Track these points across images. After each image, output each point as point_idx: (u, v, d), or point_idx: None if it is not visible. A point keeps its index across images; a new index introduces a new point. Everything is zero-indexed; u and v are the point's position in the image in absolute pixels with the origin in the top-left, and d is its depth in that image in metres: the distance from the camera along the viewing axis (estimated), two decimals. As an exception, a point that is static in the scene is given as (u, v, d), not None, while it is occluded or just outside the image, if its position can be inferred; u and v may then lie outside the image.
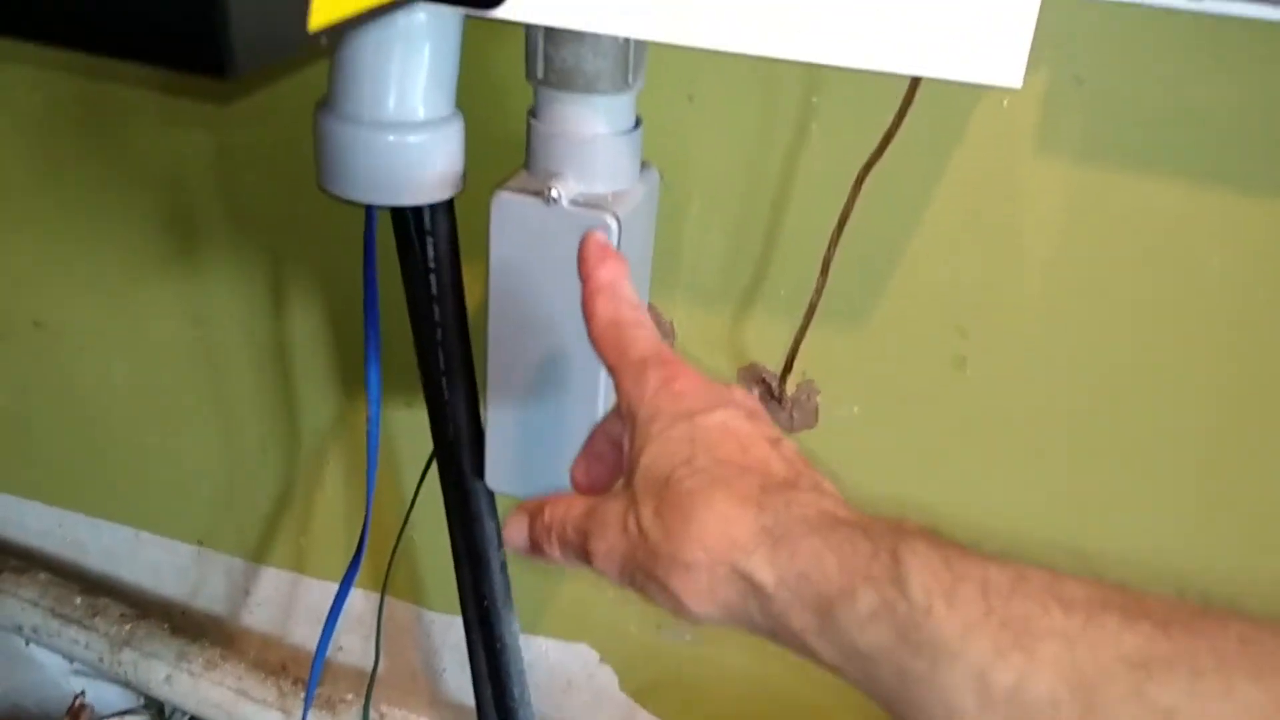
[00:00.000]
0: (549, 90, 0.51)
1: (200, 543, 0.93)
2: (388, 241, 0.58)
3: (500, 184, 0.54)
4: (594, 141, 0.52)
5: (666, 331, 0.70)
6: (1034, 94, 0.57)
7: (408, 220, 0.56)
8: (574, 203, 0.52)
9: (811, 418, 0.70)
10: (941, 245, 0.62)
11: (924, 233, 0.62)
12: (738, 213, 0.65)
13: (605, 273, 0.41)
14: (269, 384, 0.81)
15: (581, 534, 0.35)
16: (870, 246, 0.63)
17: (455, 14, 0.48)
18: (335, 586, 0.73)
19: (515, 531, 0.39)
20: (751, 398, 0.38)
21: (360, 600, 0.89)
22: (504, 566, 0.69)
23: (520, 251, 0.54)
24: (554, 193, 0.52)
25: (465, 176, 0.54)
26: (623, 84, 0.51)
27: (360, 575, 0.72)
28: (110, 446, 0.89)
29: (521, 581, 0.72)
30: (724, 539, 0.31)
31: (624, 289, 0.41)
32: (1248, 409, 0.62)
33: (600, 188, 0.53)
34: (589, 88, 0.51)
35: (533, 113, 0.53)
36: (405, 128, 0.50)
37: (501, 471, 0.61)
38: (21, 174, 0.79)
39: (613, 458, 0.42)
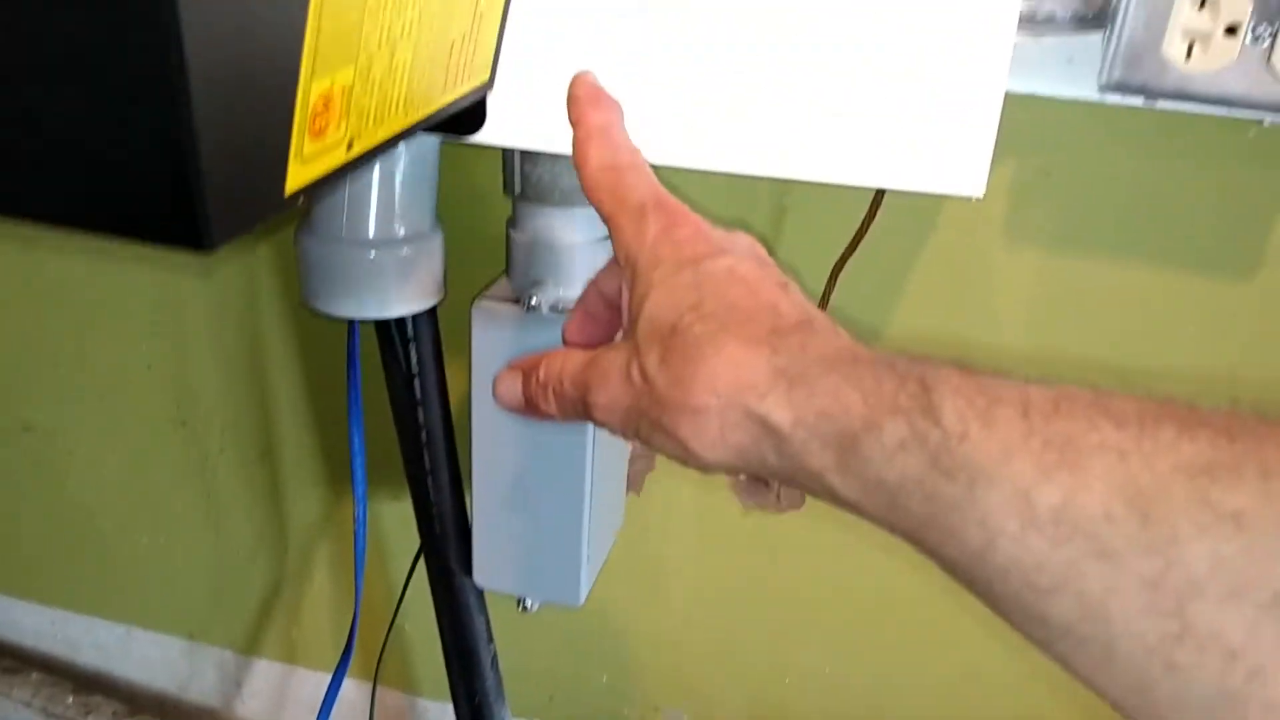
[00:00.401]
0: (527, 204, 0.53)
1: (191, 636, 0.92)
2: (373, 341, 0.58)
3: (481, 292, 0.55)
4: (572, 249, 0.53)
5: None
6: (1003, 186, 0.58)
7: (390, 328, 0.57)
8: (554, 309, 0.53)
9: (799, 498, 0.71)
10: (918, 330, 0.64)
11: (900, 319, 0.64)
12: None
13: (598, 116, 0.38)
14: (257, 480, 0.81)
15: (581, 387, 0.34)
16: (849, 324, 0.64)
17: (432, 140, 0.50)
18: (328, 677, 0.72)
19: (508, 389, 0.37)
20: (758, 244, 0.36)
21: (353, 690, 0.88)
22: (495, 661, 0.69)
23: (502, 358, 0.54)
24: (534, 300, 0.53)
25: (446, 283, 0.55)
26: (598, 194, 0.52)
27: (352, 665, 0.72)
28: (101, 545, 0.89)
29: (513, 672, 0.72)
30: (735, 382, 0.29)
31: (618, 132, 0.38)
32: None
33: (579, 292, 0.54)
34: (565, 201, 0.52)
35: (511, 223, 0.54)
36: (386, 245, 0.51)
37: (489, 568, 0.61)
38: (6, 279, 0.80)
39: (607, 317, 0.40)
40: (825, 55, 0.42)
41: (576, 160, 0.37)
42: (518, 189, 0.52)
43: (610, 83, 0.44)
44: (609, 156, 0.36)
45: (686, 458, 0.31)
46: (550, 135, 0.46)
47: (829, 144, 0.44)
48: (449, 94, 0.41)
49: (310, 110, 0.30)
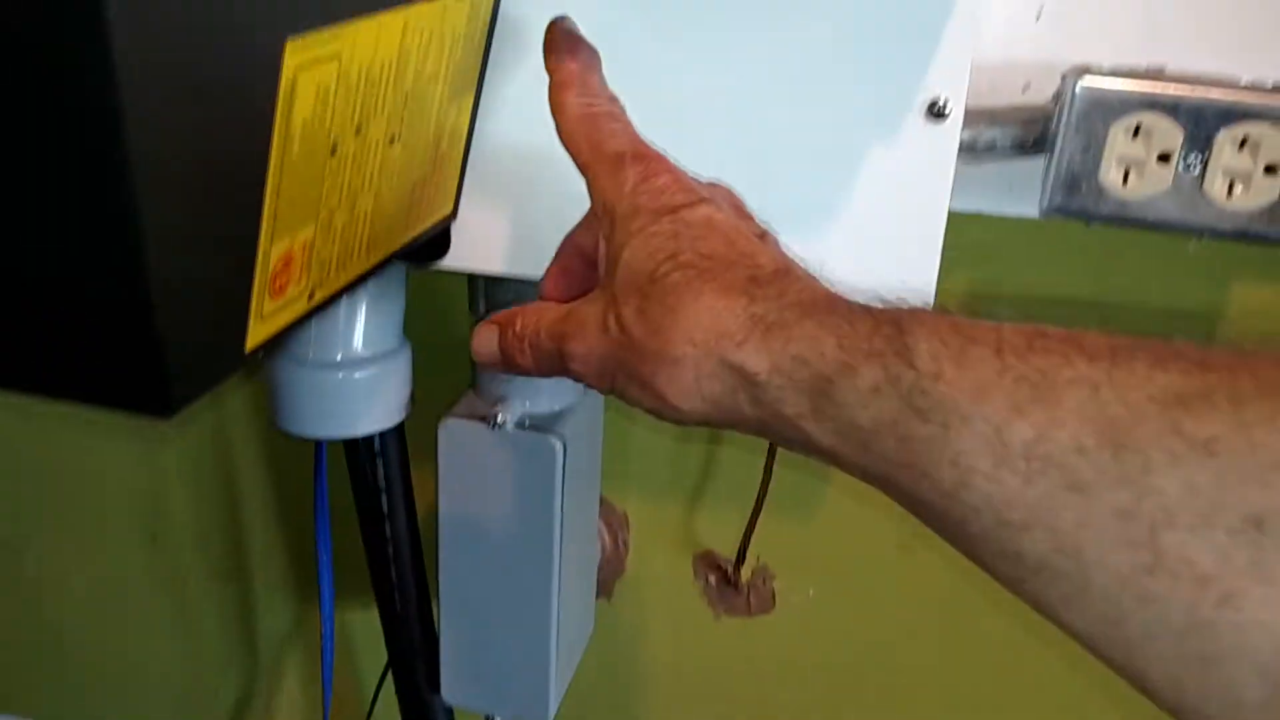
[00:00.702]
0: (491, 322, 0.54)
1: (159, 748, 0.90)
2: (341, 452, 0.58)
3: (448, 409, 0.55)
4: (536, 366, 0.54)
5: (620, 523, 0.71)
6: (955, 294, 0.60)
7: (357, 444, 0.57)
8: (519, 426, 0.54)
9: (768, 602, 0.71)
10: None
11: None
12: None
13: (575, 63, 0.36)
14: (227, 593, 0.80)
15: (557, 338, 0.33)
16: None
17: (397, 266, 0.51)
18: (296, 795, 0.71)
19: (484, 343, 0.36)
20: (736, 194, 0.36)
21: (324, 802, 0.86)
22: (467, 775, 0.68)
23: (469, 475, 0.55)
24: (499, 418, 0.53)
25: (413, 399, 0.55)
26: (561, 313, 0.53)
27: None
28: (72, 656, 0.88)
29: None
30: (712, 331, 0.29)
31: (594, 80, 0.37)
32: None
33: (546, 406, 0.55)
34: (529, 319, 0.53)
35: (476, 340, 0.55)
36: (353, 365, 0.52)
37: (457, 685, 0.60)
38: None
39: (583, 272, 0.39)
40: (781, 178, 0.43)
41: (553, 108, 0.36)
42: (482, 309, 0.53)
43: (571, 207, 0.45)
44: (586, 105, 0.35)
45: (662, 409, 0.31)
46: (513, 260, 0.47)
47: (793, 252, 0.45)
48: (412, 231, 0.42)
49: (271, 271, 0.31)
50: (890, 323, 0.27)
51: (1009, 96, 0.47)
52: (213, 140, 0.26)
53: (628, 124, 0.36)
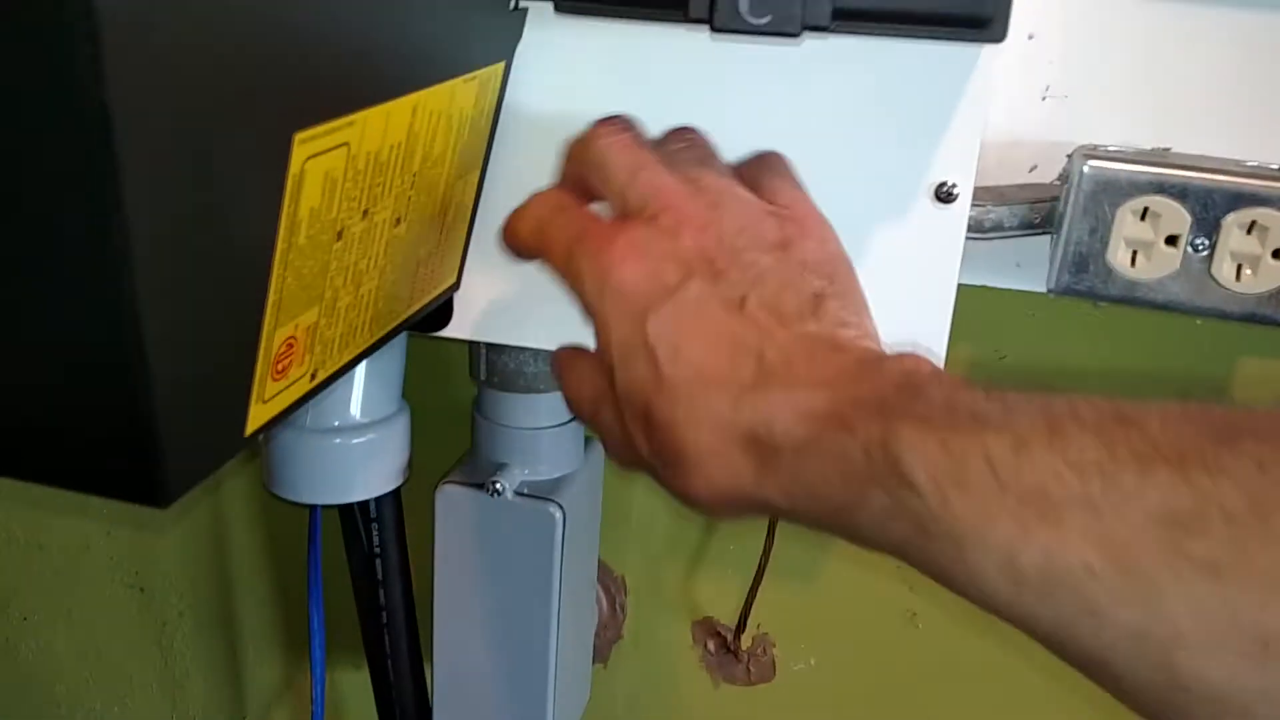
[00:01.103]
0: (492, 390, 0.53)
1: (142, 806, 0.88)
2: (335, 513, 0.58)
3: (446, 475, 0.54)
4: (537, 435, 0.54)
5: (618, 587, 0.70)
6: (960, 364, 0.59)
7: (353, 509, 0.56)
8: (518, 493, 0.53)
9: (769, 671, 0.69)
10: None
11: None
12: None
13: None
14: (216, 647, 0.79)
15: (586, 417, 0.35)
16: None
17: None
18: None
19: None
20: (703, 205, 0.33)
21: None
22: (457, 845, 0.66)
23: (466, 542, 0.54)
24: (498, 485, 0.53)
25: (411, 463, 0.55)
26: (563, 381, 0.53)
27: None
28: (57, 712, 0.86)
29: None
30: (723, 478, 0.30)
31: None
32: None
33: (545, 474, 0.54)
34: (530, 388, 0.52)
35: (477, 406, 0.55)
36: (350, 430, 0.51)
37: (451, 754, 0.59)
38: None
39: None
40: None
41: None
42: (483, 375, 0.53)
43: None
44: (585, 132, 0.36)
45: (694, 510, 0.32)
46: (515, 330, 0.47)
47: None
48: (416, 304, 0.42)
49: (273, 356, 0.30)
50: (879, 447, 0.27)
51: (1016, 175, 0.47)
52: (216, 228, 0.26)
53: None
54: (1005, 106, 0.47)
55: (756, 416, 0.30)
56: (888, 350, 0.32)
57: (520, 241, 0.38)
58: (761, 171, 0.37)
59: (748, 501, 0.30)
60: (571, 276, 0.34)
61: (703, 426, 0.30)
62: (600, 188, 0.36)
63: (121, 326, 0.24)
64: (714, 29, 0.31)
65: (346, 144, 0.30)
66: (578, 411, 0.36)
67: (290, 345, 0.31)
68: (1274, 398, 0.56)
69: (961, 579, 0.26)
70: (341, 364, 0.36)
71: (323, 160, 0.29)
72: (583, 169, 0.36)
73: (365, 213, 0.33)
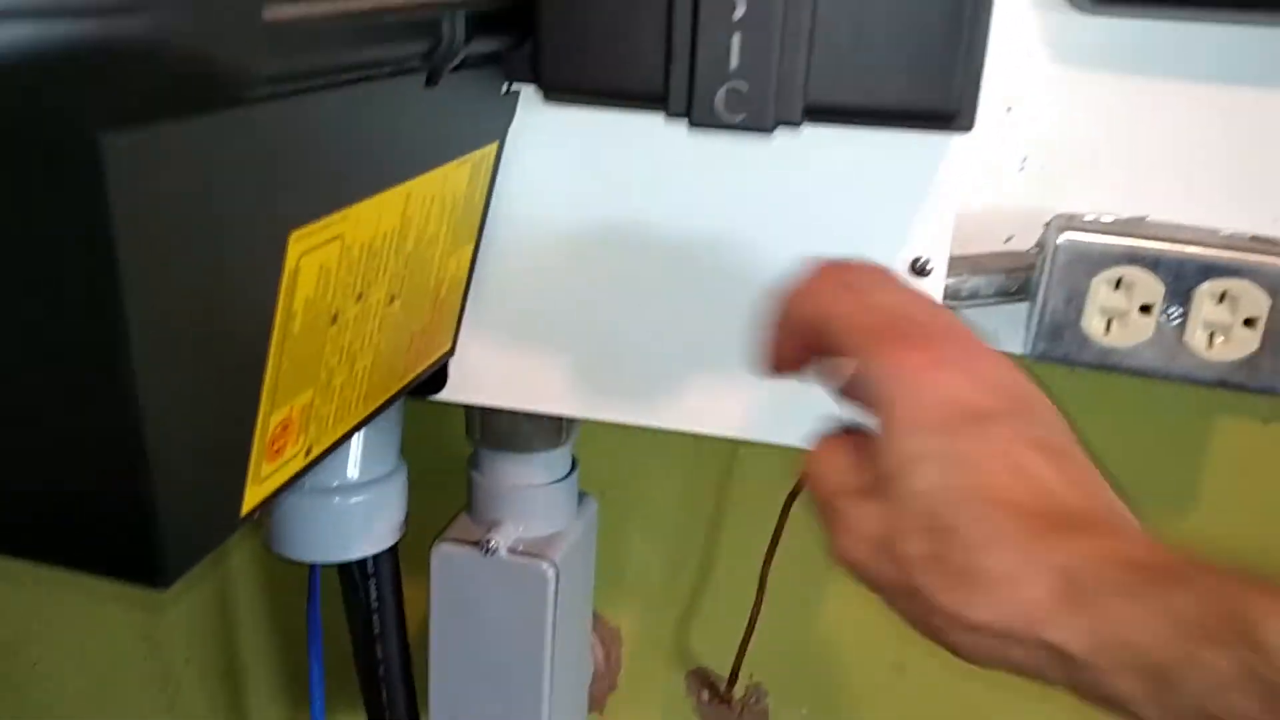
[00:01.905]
0: (488, 448, 0.54)
1: None
2: (334, 571, 0.59)
3: (442, 532, 0.56)
4: (531, 491, 0.55)
5: (613, 638, 0.71)
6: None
7: (351, 565, 0.57)
8: (512, 551, 0.54)
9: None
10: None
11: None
12: (677, 527, 0.68)
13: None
14: (220, 697, 0.80)
15: (821, 498, 0.31)
16: (805, 561, 0.65)
17: (395, 396, 0.52)
18: None
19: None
20: (1027, 386, 0.31)
21: None
22: None
23: (461, 599, 0.55)
24: (492, 543, 0.54)
25: (408, 520, 0.56)
26: (556, 441, 0.54)
27: None
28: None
29: None
30: (1017, 604, 0.27)
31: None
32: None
33: (539, 531, 0.56)
34: (525, 447, 0.54)
35: (473, 464, 0.56)
36: (348, 490, 0.52)
37: (447, 806, 0.60)
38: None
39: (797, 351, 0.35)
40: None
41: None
42: (478, 434, 0.54)
43: (566, 344, 0.47)
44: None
45: (951, 651, 0.29)
46: (509, 393, 0.48)
47: (768, 410, 0.46)
48: (411, 374, 0.43)
49: (269, 437, 0.32)
50: (1228, 609, 0.25)
51: (993, 244, 0.49)
52: (213, 323, 0.27)
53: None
54: (983, 176, 0.49)
55: (1072, 549, 0.27)
56: None
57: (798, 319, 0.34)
58: None
59: (1033, 642, 0.27)
60: (868, 361, 0.31)
61: (1008, 548, 0.27)
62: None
63: (121, 417, 0.25)
64: (691, 124, 0.32)
65: (340, 236, 0.31)
66: (814, 489, 0.32)
67: (285, 426, 0.33)
68: (1248, 456, 0.57)
69: None
70: (337, 438, 0.38)
71: (317, 254, 0.30)
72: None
73: (360, 296, 0.34)
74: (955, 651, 0.29)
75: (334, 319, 0.33)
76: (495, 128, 0.42)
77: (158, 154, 0.20)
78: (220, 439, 0.30)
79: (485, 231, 0.45)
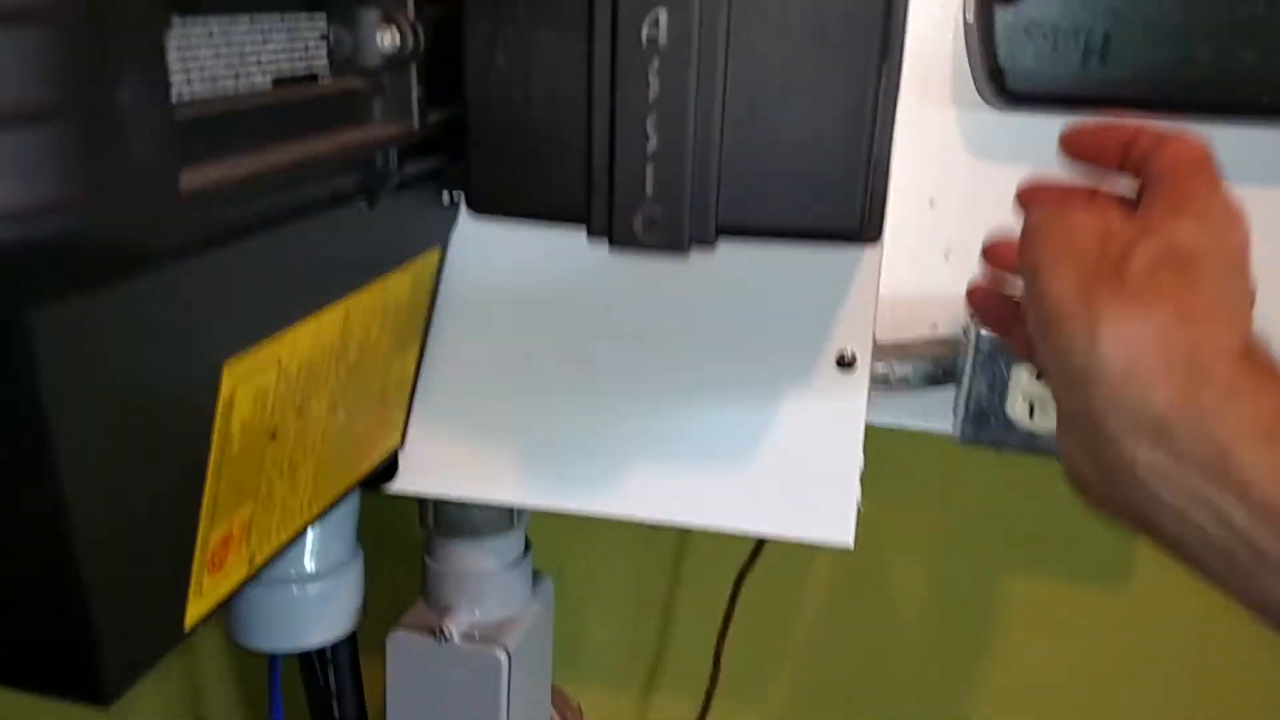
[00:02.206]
0: (441, 536, 0.56)
1: None
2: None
3: (398, 620, 0.57)
4: (484, 576, 0.56)
5: (574, 714, 0.71)
6: (883, 499, 0.62)
7: (310, 653, 0.58)
8: (466, 637, 0.55)
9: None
10: (821, 631, 0.66)
11: (803, 622, 0.66)
12: (633, 606, 0.69)
13: None
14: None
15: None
16: (758, 637, 0.66)
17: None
18: None
19: None
20: None
21: None
22: None
23: (416, 685, 0.56)
24: (446, 631, 0.55)
25: (366, 605, 0.57)
26: (507, 526, 0.55)
27: None
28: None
29: None
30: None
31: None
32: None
33: (494, 615, 0.57)
34: (476, 533, 0.55)
35: (427, 551, 0.57)
36: (305, 580, 0.53)
37: None
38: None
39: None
40: (709, 424, 0.46)
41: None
42: (431, 522, 0.55)
43: (514, 434, 0.48)
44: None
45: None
46: (459, 483, 0.50)
47: (715, 498, 0.47)
48: (358, 473, 0.45)
49: (209, 553, 0.33)
50: None
51: (920, 331, 0.51)
52: (147, 453, 0.28)
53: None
54: (909, 266, 0.51)
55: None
56: None
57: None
58: None
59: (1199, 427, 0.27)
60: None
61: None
62: None
63: (57, 549, 0.27)
64: (611, 245, 0.34)
65: (278, 359, 0.33)
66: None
67: (226, 541, 0.34)
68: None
69: None
70: (282, 544, 0.39)
71: (253, 380, 0.32)
72: None
73: (300, 411, 0.36)
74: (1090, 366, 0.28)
75: (273, 435, 0.34)
76: (438, 234, 0.44)
77: (82, 323, 0.22)
78: (159, 559, 0.31)
79: (433, 325, 0.47)
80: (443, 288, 0.46)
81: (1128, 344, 0.28)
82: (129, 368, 0.25)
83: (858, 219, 0.34)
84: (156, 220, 0.21)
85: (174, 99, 0.23)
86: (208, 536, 0.32)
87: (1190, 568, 0.29)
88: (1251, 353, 0.28)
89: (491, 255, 0.45)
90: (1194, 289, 0.28)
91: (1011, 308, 0.37)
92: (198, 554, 0.32)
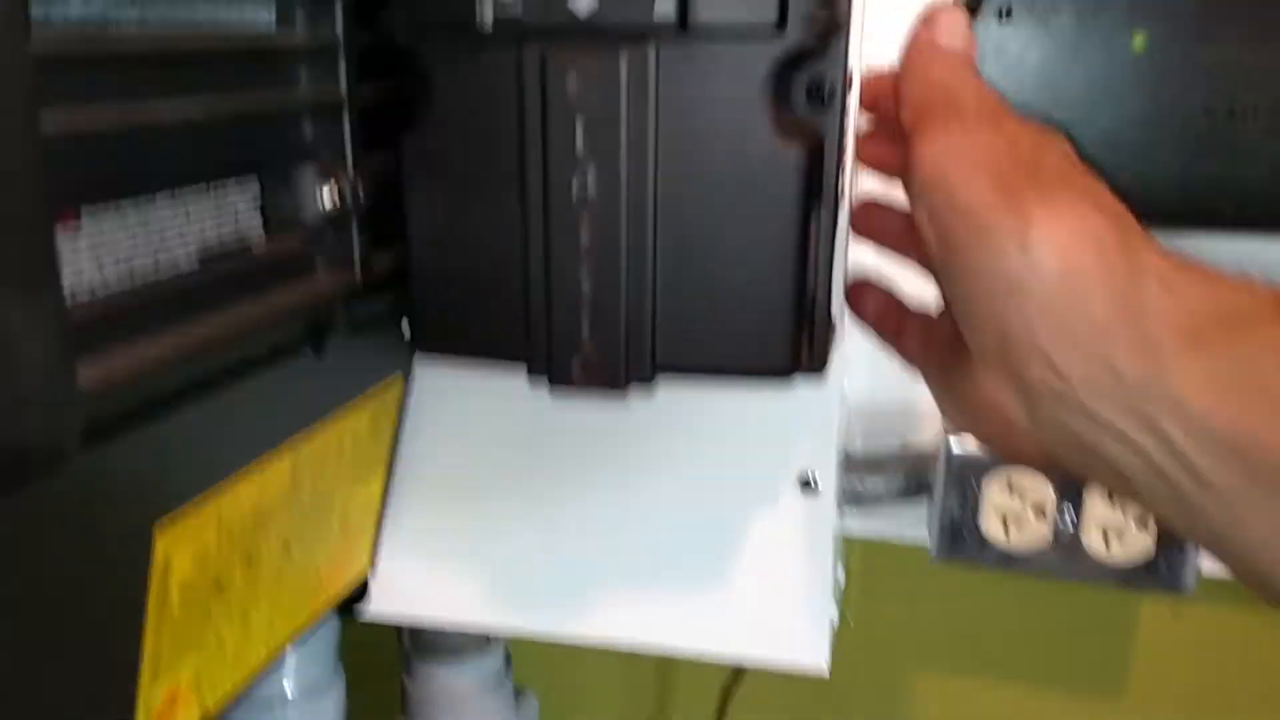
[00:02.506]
0: (419, 657, 0.55)
1: None
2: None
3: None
4: (463, 697, 0.55)
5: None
6: (866, 616, 0.61)
7: (291, 776, 0.57)
8: (446, 759, 0.54)
9: None
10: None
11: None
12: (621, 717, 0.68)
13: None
14: None
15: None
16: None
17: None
18: None
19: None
20: None
21: None
22: None
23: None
24: (425, 754, 0.54)
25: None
26: (485, 647, 0.55)
27: None
28: None
29: None
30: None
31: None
32: None
33: (473, 737, 0.56)
34: (454, 654, 0.54)
35: (405, 671, 0.57)
36: (285, 705, 0.53)
37: None
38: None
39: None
40: (678, 550, 0.45)
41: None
42: (408, 643, 0.55)
43: (485, 559, 0.48)
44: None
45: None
46: (432, 606, 0.49)
47: (693, 627, 0.46)
48: (324, 602, 0.44)
49: (154, 713, 0.33)
50: None
51: (892, 444, 0.50)
52: (76, 626, 0.28)
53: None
54: (880, 381, 0.51)
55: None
56: None
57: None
58: None
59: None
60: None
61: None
62: None
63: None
64: (551, 385, 0.34)
65: (216, 516, 0.33)
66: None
67: (174, 697, 0.34)
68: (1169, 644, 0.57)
69: None
70: (237, 686, 0.38)
71: (190, 540, 0.32)
72: None
73: (249, 560, 0.36)
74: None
75: (220, 588, 0.34)
76: (398, 363, 0.44)
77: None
78: (102, 711, 0.31)
79: (401, 447, 0.47)
80: (410, 411, 0.46)
81: (1064, 245, 0.26)
82: (45, 554, 0.25)
83: (787, 358, 0.34)
84: (52, 426, 0.21)
85: (84, 293, 0.24)
86: (150, 697, 0.32)
87: (1139, 504, 0.26)
88: (1167, 249, 0.26)
89: (457, 379, 0.46)
90: (1102, 187, 0.27)
91: (903, 221, 0.34)
92: (141, 712, 0.32)
